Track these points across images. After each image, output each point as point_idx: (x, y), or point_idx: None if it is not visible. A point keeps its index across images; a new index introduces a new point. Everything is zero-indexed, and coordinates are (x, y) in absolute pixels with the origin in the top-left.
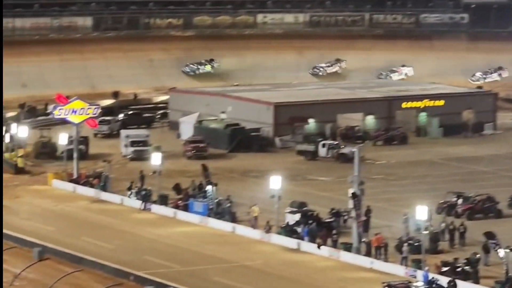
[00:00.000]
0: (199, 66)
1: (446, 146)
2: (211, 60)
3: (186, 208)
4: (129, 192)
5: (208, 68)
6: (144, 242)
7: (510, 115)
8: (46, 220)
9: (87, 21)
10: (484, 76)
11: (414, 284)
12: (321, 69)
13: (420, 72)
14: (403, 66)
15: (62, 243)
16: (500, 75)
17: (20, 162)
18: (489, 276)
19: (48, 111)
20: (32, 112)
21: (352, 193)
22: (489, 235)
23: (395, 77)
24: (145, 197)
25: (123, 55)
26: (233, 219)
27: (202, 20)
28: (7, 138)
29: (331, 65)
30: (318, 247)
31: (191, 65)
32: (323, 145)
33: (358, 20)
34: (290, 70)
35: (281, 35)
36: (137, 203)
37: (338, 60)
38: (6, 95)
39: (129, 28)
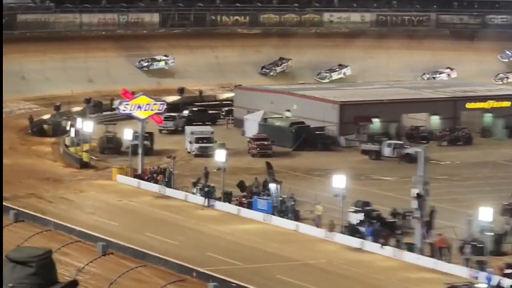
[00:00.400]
0: (153, 62)
1: (511, 147)
2: (166, 56)
3: (249, 206)
4: (194, 189)
5: (162, 64)
6: (207, 238)
7: None
8: (110, 215)
9: (154, 18)
10: None
11: (477, 285)
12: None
13: (481, 72)
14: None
15: (126, 238)
16: None
17: (85, 157)
18: None
19: (114, 106)
20: (98, 107)
21: (417, 194)
22: None
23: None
24: (209, 194)
25: (189, 52)
26: (297, 217)
27: (269, 18)
28: (72, 133)
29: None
30: (381, 246)
31: (142, 61)
32: (388, 145)
33: (424, 20)
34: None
35: (347, 33)
36: (201, 200)
37: None
38: (74, 90)
39: (195, 25)
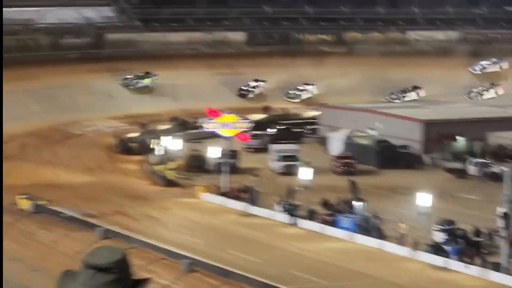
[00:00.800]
0: (139, 80)
1: None
2: (147, 73)
3: (333, 224)
4: (278, 206)
5: (147, 81)
6: (291, 256)
7: None
8: (194, 233)
9: (240, 36)
10: None
11: None
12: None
13: None
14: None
15: (210, 256)
16: None
17: (169, 175)
18: None
19: (199, 124)
20: (184, 125)
21: (504, 213)
22: None
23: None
24: (293, 212)
25: (274, 70)
26: (381, 235)
27: (354, 36)
28: (161, 151)
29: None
30: (467, 265)
31: (127, 80)
32: (473, 163)
33: (510, 38)
34: (439, 87)
35: (431, 52)
36: (285, 217)
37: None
38: (160, 108)
39: (281, 43)
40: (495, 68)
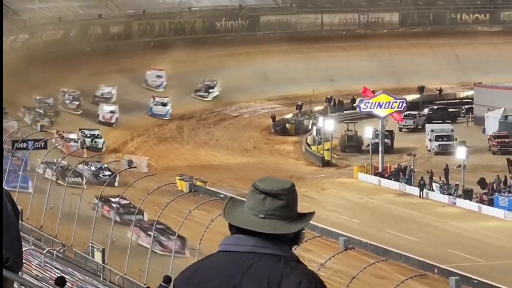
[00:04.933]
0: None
1: None
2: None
3: (491, 203)
4: (433, 185)
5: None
6: (448, 235)
7: None
8: (351, 212)
9: (394, 17)
10: None
11: None
12: None
13: None
14: None
15: (367, 235)
16: None
17: (326, 155)
18: None
19: (355, 104)
20: (339, 106)
21: None
22: None
23: None
24: (450, 191)
25: (429, 51)
26: None
27: (510, 15)
28: (314, 131)
29: None
30: None
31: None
32: None
33: None
34: None
35: None
36: (441, 197)
37: None
38: (315, 89)
39: (435, 23)
40: None
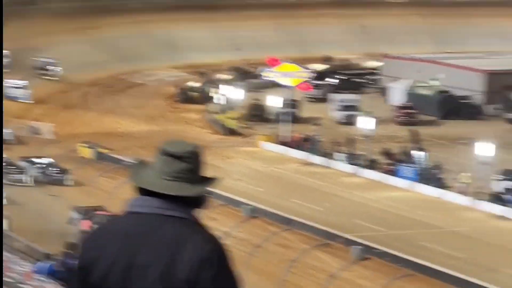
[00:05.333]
0: None
1: None
2: None
3: (394, 173)
4: (339, 156)
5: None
6: (352, 205)
7: None
8: (255, 181)
9: None
10: None
11: None
12: None
13: None
14: None
15: (272, 204)
16: None
17: (230, 124)
18: None
19: (259, 73)
20: (245, 74)
21: None
22: None
23: None
24: (354, 161)
25: (336, 21)
26: (441, 185)
27: None
28: (221, 100)
29: None
30: None
31: None
32: None
33: None
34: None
35: (496, 2)
36: (346, 167)
37: None
38: (220, 58)
39: None
40: None
